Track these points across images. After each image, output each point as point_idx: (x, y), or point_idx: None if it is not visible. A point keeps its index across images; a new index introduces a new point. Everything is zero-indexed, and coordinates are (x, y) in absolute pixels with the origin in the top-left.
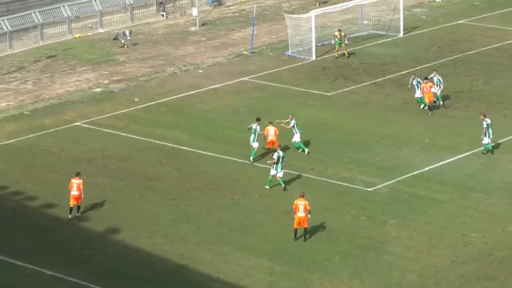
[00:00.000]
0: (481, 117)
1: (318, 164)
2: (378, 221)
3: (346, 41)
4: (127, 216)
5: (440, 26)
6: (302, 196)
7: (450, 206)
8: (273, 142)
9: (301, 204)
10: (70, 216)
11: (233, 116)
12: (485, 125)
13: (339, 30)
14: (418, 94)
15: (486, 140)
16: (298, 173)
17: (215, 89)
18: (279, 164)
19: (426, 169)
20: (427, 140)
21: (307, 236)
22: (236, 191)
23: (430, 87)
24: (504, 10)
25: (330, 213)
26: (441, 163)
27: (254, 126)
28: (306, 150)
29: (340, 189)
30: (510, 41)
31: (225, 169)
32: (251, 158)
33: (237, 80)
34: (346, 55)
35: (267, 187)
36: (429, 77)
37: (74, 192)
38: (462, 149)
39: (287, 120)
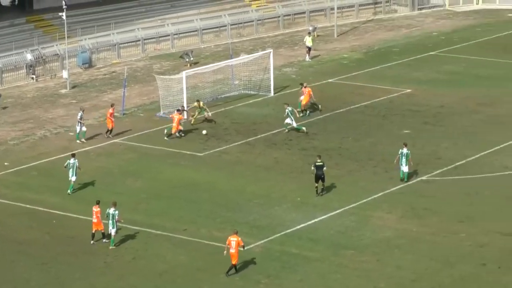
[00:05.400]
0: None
1: (191, 224)
2: (251, 280)
3: (209, 114)
4: None
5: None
6: (236, 233)
7: (322, 264)
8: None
9: (233, 240)
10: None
11: (105, 178)
12: (399, 153)
13: (198, 101)
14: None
15: (402, 168)
16: (171, 234)
17: (86, 151)
18: (112, 221)
19: (298, 227)
20: (298, 199)
21: (229, 272)
22: (109, 254)
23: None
24: (373, 68)
25: (203, 274)
26: (312, 221)
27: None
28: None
29: (213, 249)
30: (379, 99)
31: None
32: None
33: (108, 142)
34: (193, 122)
35: (111, 247)
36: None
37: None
38: (333, 207)
39: None
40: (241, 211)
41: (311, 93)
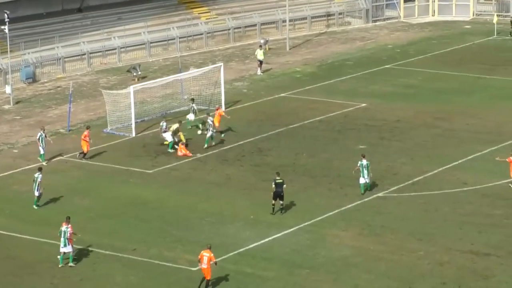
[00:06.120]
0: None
1: (141, 244)
2: None
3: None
4: None
5: (262, 99)
6: (209, 248)
7: (277, 283)
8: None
9: (206, 255)
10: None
11: (51, 197)
12: (358, 165)
13: (180, 122)
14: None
15: (361, 180)
16: (120, 254)
17: (31, 169)
18: (64, 238)
19: (252, 246)
20: (252, 216)
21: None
22: (55, 275)
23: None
24: (327, 82)
25: None
26: (267, 239)
27: None
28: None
29: (164, 269)
30: (333, 114)
31: (43, 252)
32: None
33: (54, 160)
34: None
35: (71, 264)
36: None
37: None
38: (288, 225)
39: None
40: (193, 229)
41: (222, 115)
